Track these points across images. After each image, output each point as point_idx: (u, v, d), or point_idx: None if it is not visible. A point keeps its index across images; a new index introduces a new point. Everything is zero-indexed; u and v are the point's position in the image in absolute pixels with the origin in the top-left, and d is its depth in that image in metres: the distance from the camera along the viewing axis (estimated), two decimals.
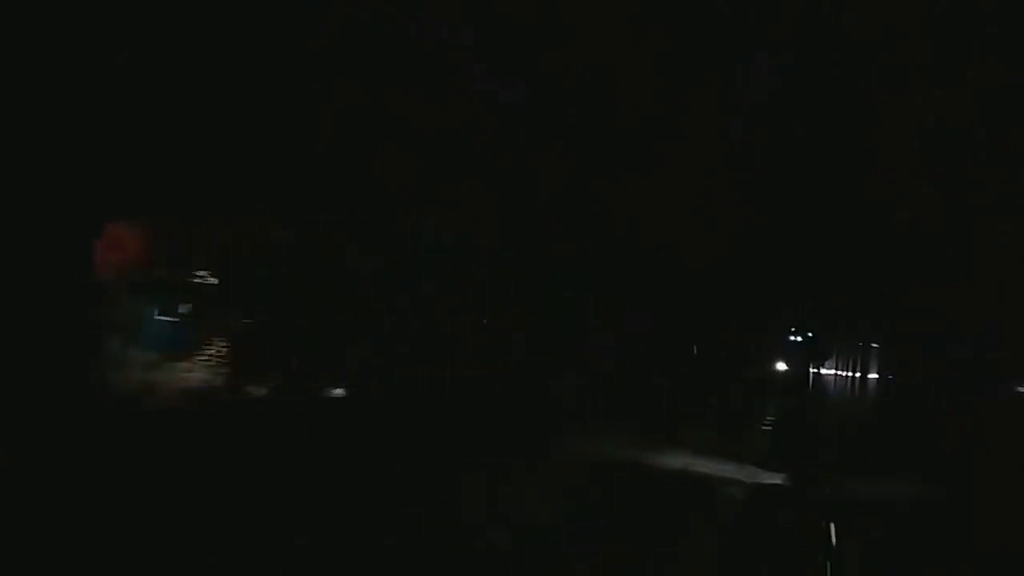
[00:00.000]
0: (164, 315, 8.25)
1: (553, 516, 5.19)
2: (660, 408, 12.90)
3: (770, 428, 11.96)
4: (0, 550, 3.53)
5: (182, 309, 8.37)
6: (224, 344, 8.29)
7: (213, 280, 8.27)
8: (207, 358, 8.28)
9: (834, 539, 4.77)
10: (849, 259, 11.21)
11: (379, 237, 9.33)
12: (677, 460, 8.31)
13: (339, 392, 9.20)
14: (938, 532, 5.72)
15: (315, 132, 8.16)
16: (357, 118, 8.40)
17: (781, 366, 23.22)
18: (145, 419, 6.78)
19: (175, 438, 6.20)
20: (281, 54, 7.66)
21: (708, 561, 4.61)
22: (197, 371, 8.16)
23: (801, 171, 11.79)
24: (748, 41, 10.76)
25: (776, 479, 7.68)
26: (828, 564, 4.37)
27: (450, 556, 4.22)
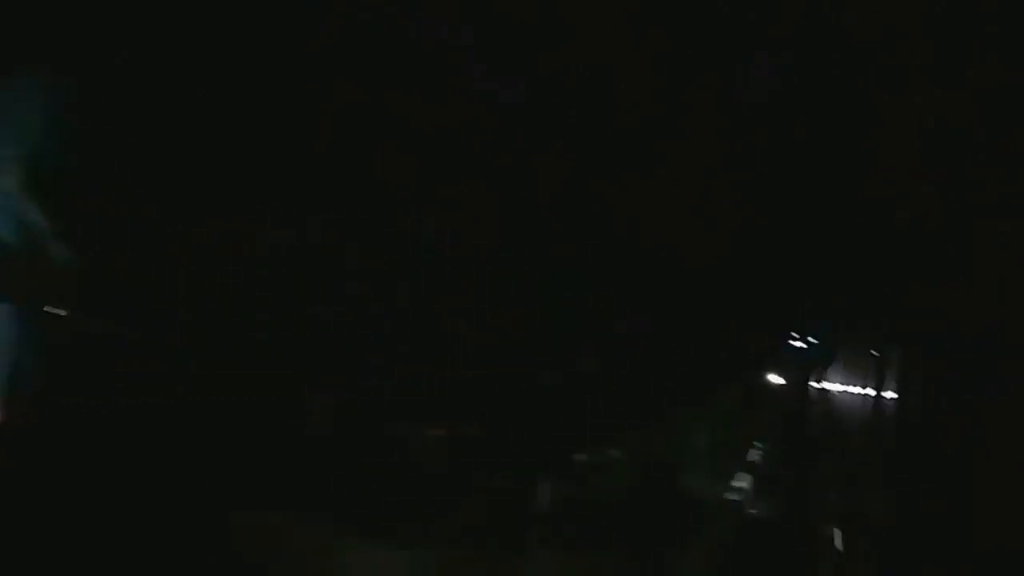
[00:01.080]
0: None
1: (548, 523, 5.18)
2: (645, 420, 12.55)
3: (760, 452, 11.58)
4: None
5: None
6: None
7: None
8: None
9: (840, 545, 4.75)
10: (850, 258, 11.22)
11: (379, 237, 9.31)
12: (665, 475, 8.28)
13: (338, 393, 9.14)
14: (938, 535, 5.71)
15: (315, 132, 8.15)
16: (357, 118, 8.40)
17: (776, 378, 20.14)
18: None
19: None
20: (281, 54, 7.66)
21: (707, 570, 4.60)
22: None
23: (801, 171, 11.80)
24: (748, 41, 10.76)
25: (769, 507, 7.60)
26: (832, 570, 4.36)
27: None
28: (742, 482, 8.37)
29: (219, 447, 6.89)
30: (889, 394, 6.26)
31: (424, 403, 9.12)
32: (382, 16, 8.30)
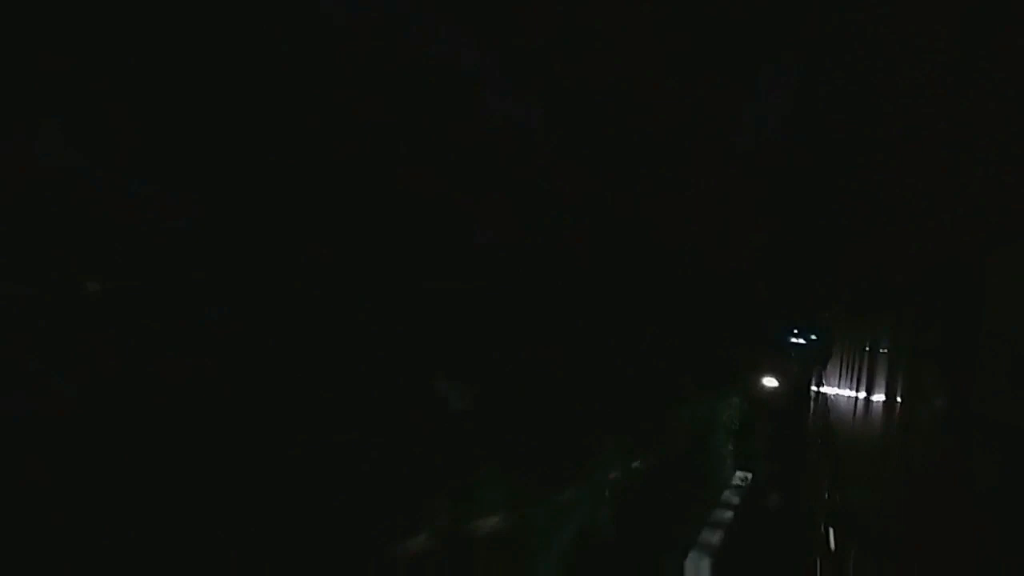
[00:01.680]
0: None
1: (552, 527, 5.31)
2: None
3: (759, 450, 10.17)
4: None
5: None
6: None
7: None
8: None
9: (832, 543, 5.02)
10: (855, 259, 11.41)
11: (401, 246, 9.56)
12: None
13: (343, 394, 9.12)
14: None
15: (332, 151, 8.45)
16: (377, 138, 8.70)
17: (771, 382, 16.92)
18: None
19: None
20: (296, 73, 7.96)
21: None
22: None
23: (814, 176, 12.01)
24: (767, 50, 10.96)
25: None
26: (825, 567, 4.63)
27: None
28: (741, 480, 8.38)
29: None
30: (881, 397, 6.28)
31: (440, 400, 9.17)
32: (400, 37, 8.58)
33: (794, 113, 11.52)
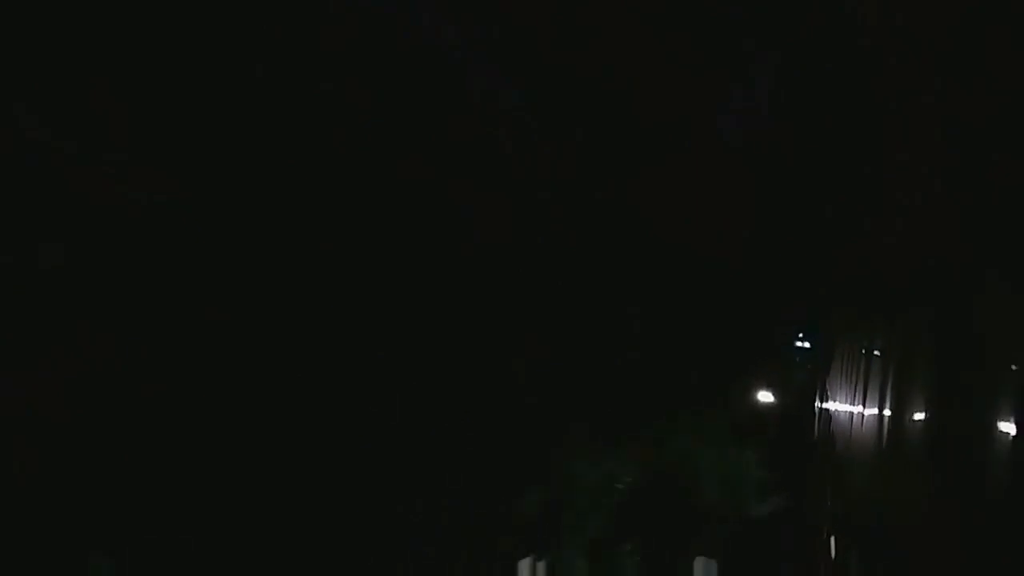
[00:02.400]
0: None
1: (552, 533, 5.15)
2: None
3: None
4: None
5: None
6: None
7: None
8: None
9: (834, 552, 4.78)
10: (855, 256, 11.13)
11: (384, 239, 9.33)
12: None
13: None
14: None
15: (319, 134, 8.23)
16: (362, 121, 8.47)
17: (768, 396, 15.67)
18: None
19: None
20: (285, 57, 7.74)
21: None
22: None
23: (810, 170, 11.81)
24: (760, 41, 10.76)
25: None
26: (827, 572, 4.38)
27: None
28: (745, 487, 8.20)
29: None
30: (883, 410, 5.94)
31: (430, 404, 8.82)
32: (388, 19, 8.33)
33: (788, 111, 11.38)
